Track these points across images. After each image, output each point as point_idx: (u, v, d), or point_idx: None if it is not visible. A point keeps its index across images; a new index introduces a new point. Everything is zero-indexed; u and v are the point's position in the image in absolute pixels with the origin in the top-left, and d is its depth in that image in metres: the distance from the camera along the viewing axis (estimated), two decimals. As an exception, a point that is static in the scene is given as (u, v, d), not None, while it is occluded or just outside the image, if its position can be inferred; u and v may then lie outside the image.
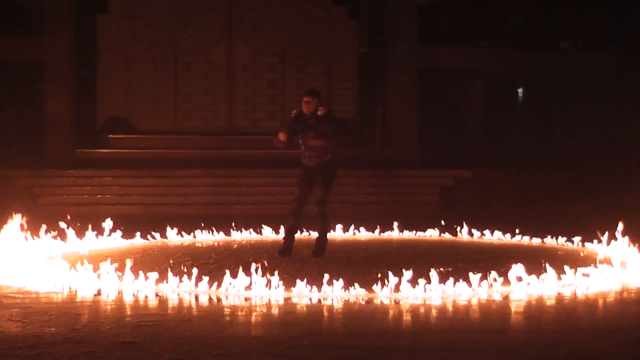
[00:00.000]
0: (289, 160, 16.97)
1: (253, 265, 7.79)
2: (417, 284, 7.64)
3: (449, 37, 21.58)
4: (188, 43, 19.40)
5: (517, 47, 21.20)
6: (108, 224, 11.26)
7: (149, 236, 11.82)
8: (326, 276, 7.73)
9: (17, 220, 9.74)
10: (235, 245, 11.40)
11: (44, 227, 10.46)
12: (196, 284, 7.81)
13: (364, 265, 9.23)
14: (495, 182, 18.21)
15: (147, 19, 19.27)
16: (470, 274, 7.84)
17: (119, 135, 18.56)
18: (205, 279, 7.83)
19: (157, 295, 7.61)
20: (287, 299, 7.46)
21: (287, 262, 9.45)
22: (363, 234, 12.71)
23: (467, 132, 21.84)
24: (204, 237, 12.08)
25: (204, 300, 7.44)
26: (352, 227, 12.79)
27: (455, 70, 20.86)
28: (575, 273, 8.35)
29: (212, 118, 19.40)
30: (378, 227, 12.85)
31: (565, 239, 11.53)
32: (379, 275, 7.90)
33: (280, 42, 19.64)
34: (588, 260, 9.14)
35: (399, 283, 7.63)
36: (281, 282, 7.72)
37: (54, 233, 10.62)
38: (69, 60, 18.64)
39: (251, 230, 12.46)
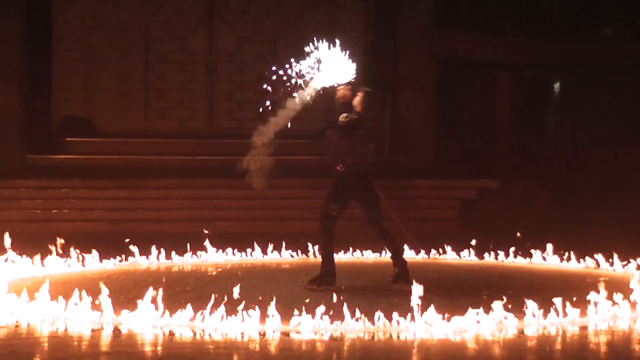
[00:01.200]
0: (283, 168, 16.96)
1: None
2: (431, 315, 7.67)
3: (472, 21, 21.60)
4: (161, 29, 19.45)
5: (552, 34, 21.24)
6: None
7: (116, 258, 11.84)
8: (323, 307, 7.74)
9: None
10: (218, 269, 11.42)
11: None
12: (170, 316, 7.82)
13: (369, 294, 9.25)
14: (527, 194, 18.22)
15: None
16: (496, 305, 7.86)
17: (79, 138, 18.58)
18: (185, 309, 7.84)
19: (124, 329, 7.62)
20: (283, 332, 7.47)
21: (281, 289, 9.47)
22: (369, 256, 12.72)
23: (493, 134, 21.83)
24: (182, 260, 12.09)
25: (180, 336, 7.45)
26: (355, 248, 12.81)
27: (479, 61, 20.89)
28: (621, 304, 8.37)
29: (189, 118, 19.44)
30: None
31: (610, 263, 11.55)
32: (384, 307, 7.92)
33: (271, 28, 19.69)
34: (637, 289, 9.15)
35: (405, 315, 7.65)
36: (272, 314, 7.73)
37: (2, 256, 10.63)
38: (17, 48, 18.64)
39: (236, 251, 12.48)
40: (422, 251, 12.71)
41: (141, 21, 19.35)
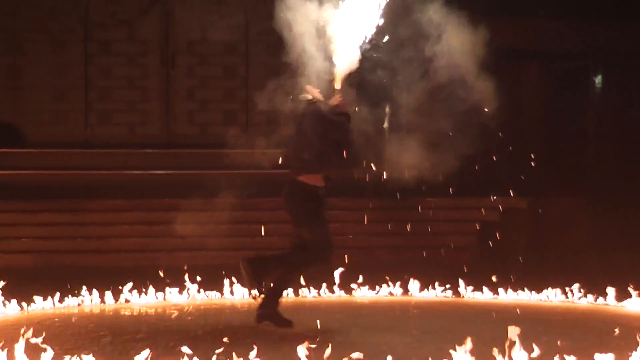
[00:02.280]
0: (258, 185, 16.92)
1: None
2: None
3: (492, 2, 21.64)
4: (104, 11, 19.48)
5: (592, 16, 21.31)
6: None
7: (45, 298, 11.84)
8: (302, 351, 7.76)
9: None
10: (177, 312, 11.43)
11: None
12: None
13: (367, 338, 9.28)
14: (562, 215, 18.27)
15: (42, -24, 19.39)
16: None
17: (2, 149, 18.55)
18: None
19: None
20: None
21: (256, 336, 9.48)
22: (365, 294, 12.76)
23: (519, 139, 21.87)
24: (132, 301, 12.11)
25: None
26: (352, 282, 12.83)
27: (502, 50, 20.93)
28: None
29: (141, 123, 19.46)
30: (388, 283, 12.89)
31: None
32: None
33: (242, 9, 19.74)
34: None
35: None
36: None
37: None
38: None
39: (200, 288, 12.50)
40: (432, 288, 12.77)
41: (79, 2, 19.38)
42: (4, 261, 15.54)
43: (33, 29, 19.34)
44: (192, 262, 15.55)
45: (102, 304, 11.94)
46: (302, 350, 7.64)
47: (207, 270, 13.40)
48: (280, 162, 10.12)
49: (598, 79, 22.53)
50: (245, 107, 19.46)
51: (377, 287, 12.84)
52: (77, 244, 16.44)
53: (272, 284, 9.99)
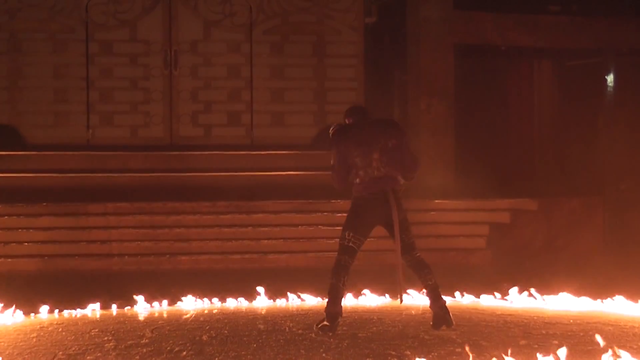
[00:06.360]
0: (262, 187, 17.05)
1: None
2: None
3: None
4: (105, 11, 19.51)
5: (606, 12, 21.32)
6: None
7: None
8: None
9: None
10: (182, 317, 11.53)
11: None
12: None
13: (376, 346, 9.38)
14: (575, 217, 18.28)
15: (42, -27, 19.43)
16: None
17: (1, 151, 18.61)
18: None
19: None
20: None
21: (263, 341, 9.60)
22: (374, 299, 12.83)
23: (529, 139, 21.89)
24: (135, 305, 12.21)
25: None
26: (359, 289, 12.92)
27: (511, 48, 20.99)
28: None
29: (143, 125, 19.48)
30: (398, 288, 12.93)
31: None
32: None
33: (247, 9, 19.79)
34: None
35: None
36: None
37: None
38: None
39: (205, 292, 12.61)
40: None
41: (80, 2, 19.43)
42: (7, 266, 15.65)
43: (33, 29, 19.37)
44: (196, 267, 15.71)
45: (104, 310, 12.04)
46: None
47: (210, 275, 13.50)
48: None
49: (610, 77, 22.55)
50: (249, 108, 19.50)
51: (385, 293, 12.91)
52: (79, 247, 16.48)
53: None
